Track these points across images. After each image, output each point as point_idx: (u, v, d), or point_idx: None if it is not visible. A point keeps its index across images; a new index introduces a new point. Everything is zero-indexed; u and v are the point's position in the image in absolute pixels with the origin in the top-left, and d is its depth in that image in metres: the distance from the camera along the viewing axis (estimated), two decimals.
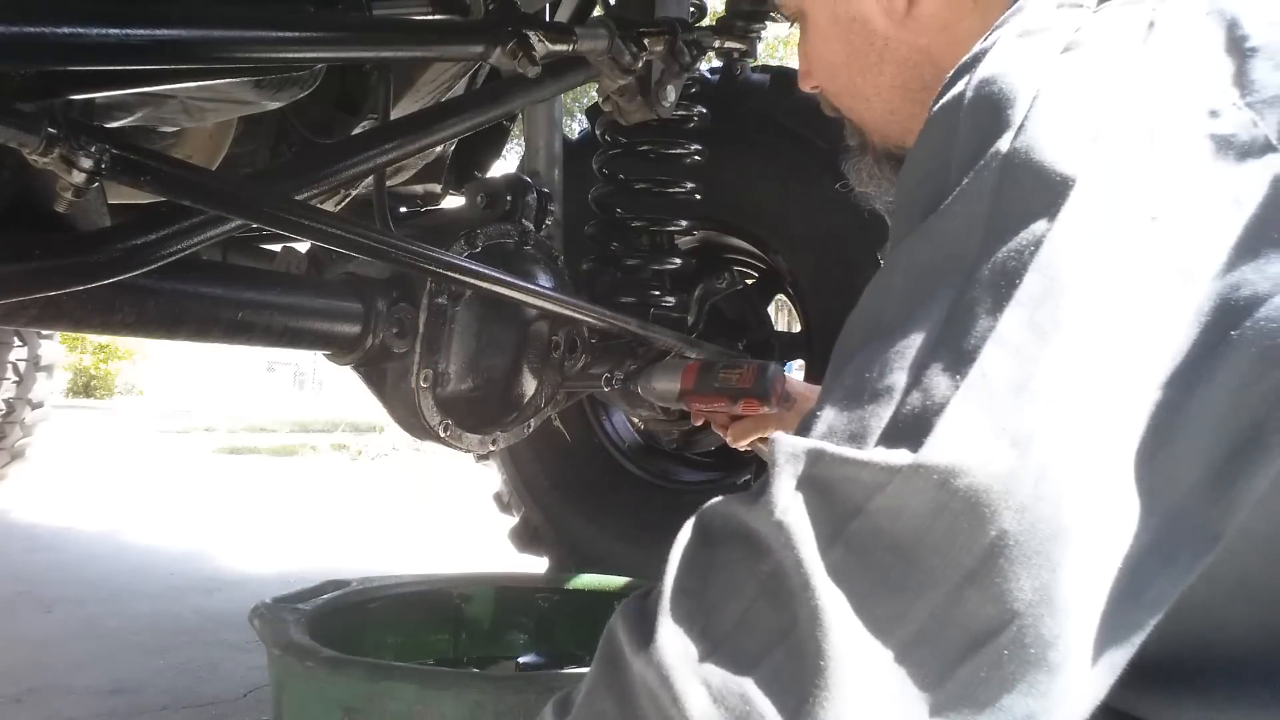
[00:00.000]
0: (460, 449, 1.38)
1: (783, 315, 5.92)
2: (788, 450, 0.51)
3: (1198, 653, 0.63)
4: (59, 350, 3.68)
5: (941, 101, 0.61)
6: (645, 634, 0.51)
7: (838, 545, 0.48)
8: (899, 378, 0.51)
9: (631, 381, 1.56)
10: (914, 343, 0.51)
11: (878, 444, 0.49)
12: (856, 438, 0.50)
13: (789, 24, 0.95)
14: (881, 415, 0.50)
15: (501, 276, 1.26)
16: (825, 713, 0.45)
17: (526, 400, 1.44)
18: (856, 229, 1.91)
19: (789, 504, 0.49)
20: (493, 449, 1.44)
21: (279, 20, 0.98)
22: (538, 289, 1.33)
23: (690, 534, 0.55)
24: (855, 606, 0.47)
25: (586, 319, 1.43)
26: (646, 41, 1.37)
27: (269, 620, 1.31)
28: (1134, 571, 0.50)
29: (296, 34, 0.98)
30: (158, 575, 3.08)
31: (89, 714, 1.87)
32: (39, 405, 3.58)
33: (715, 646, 0.50)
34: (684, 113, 1.72)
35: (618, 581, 1.71)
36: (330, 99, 1.55)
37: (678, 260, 1.83)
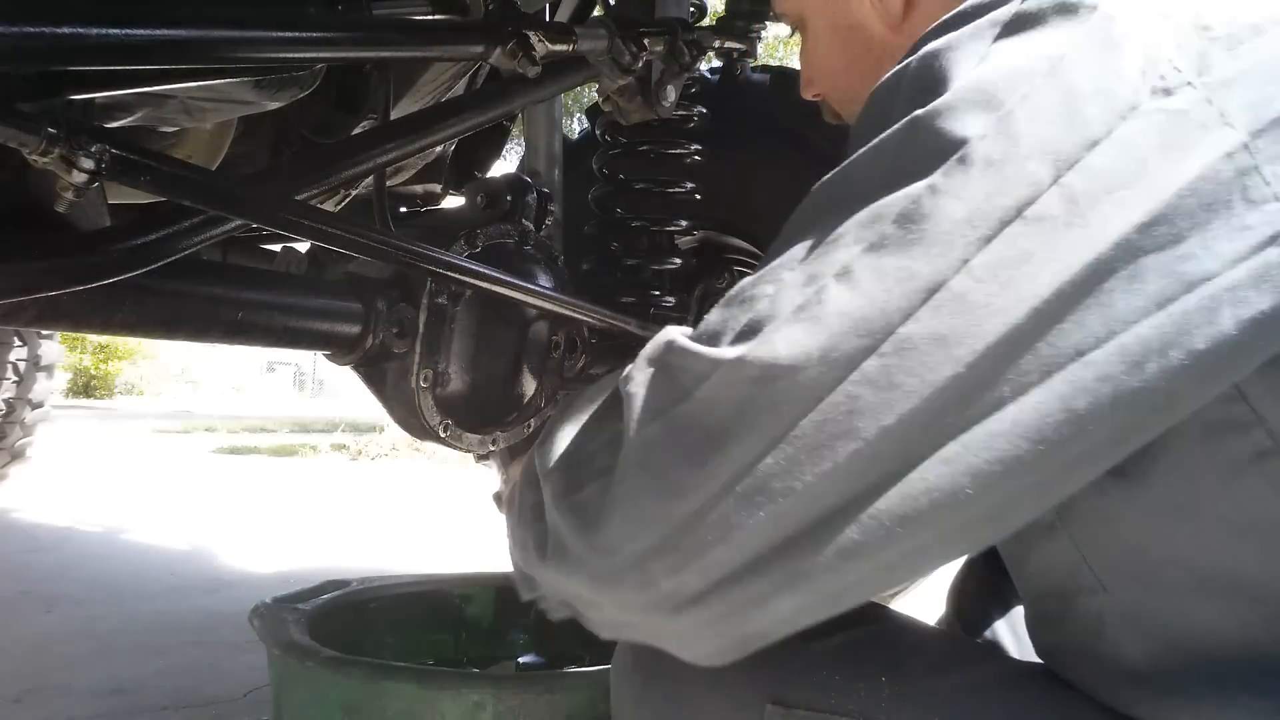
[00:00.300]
0: (460, 449, 1.38)
1: None
2: (656, 339, 0.61)
3: (1181, 659, 0.64)
4: (59, 350, 3.68)
5: (894, 69, 0.65)
6: (544, 435, 0.71)
7: (658, 421, 0.58)
8: (764, 289, 0.58)
9: None
10: (787, 263, 0.59)
11: (724, 338, 0.57)
12: (715, 336, 0.58)
13: (790, 32, 0.97)
14: (739, 319, 0.58)
15: (501, 276, 1.26)
16: (599, 539, 0.59)
17: (526, 400, 1.44)
18: None
19: (636, 380, 0.60)
20: (493, 449, 1.44)
21: (279, 20, 0.98)
22: (538, 289, 1.33)
23: (621, 377, 0.65)
24: (653, 475, 0.57)
25: (586, 319, 1.43)
26: (646, 41, 1.37)
27: (269, 620, 1.31)
28: (951, 506, 0.54)
29: (296, 34, 0.98)
30: (158, 575, 3.08)
31: (89, 714, 1.87)
32: (39, 405, 3.57)
33: (564, 465, 0.66)
34: (684, 113, 1.72)
35: None
36: (330, 99, 1.55)
37: (678, 260, 1.83)
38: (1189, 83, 0.57)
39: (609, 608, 0.63)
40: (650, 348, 0.61)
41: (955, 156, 0.55)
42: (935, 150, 0.56)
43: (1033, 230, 0.53)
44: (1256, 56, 0.57)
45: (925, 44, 0.63)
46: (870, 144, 0.60)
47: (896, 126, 0.59)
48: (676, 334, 0.60)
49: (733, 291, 0.61)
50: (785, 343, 0.54)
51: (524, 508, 0.71)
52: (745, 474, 0.54)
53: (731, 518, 0.55)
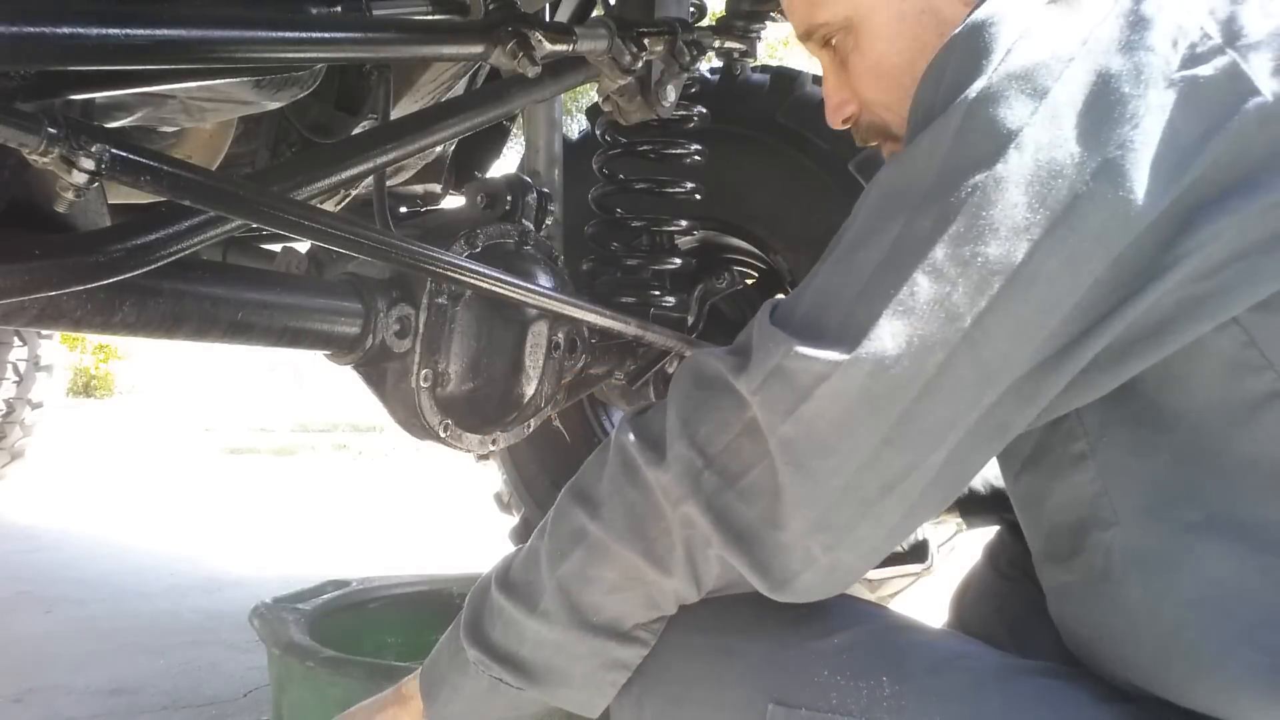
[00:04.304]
0: (460, 449, 1.38)
1: None
2: (769, 336, 0.67)
3: (1178, 603, 0.67)
4: (59, 350, 3.67)
5: (960, 27, 0.68)
6: (658, 450, 0.70)
7: (788, 422, 0.65)
8: (852, 288, 0.65)
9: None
10: (868, 258, 0.66)
11: (829, 339, 0.64)
12: (812, 332, 0.65)
13: (819, 45, 0.88)
14: (837, 314, 0.65)
15: (501, 276, 1.26)
16: (785, 517, 0.65)
17: (526, 400, 1.44)
18: None
19: (763, 383, 0.66)
20: (493, 449, 1.44)
21: (279, 20, 0.98)
22: (538, 289, 1.33)
23: (686, 378, 0.73)
24: (797, 468, 0.65)
25: (586, 319, 1.43)
26: (646, 41, 1.37)
27: (269, 620, 1.31)
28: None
29: (296, 34, 0.98)
30: (158, 575, 3.07)
31: (89, 714, 1.87)
32: (39, 405, 3.57)
33: (709, 462, 0.68)
34: (684, 113, 1.72)
35: None
36: (330, 99, 1.55)
37: (678, 260, 1.83)
38: (1221, 49, 0.61)
39: (770, 576, 0.68)
40: (766, 347, 0.66)
41: (1011, 144, 0.61)
42: (991, 138, 0.62)
43: (1086, 207, 0.60)
44: None
45: (974, 11, 0.67)
46: (929, 131, 0.65)
47: (952, 113, 0.64)
48: (786, 340, 0.65)
49: (821, 284, 0.68)
50: (890, 336, 0.62)
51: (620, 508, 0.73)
52: (875, 458, 0.63)
53: (869, 497, 0.64)
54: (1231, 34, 0.62)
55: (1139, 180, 0.60)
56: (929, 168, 0.64)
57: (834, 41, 0.86)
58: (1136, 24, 0.62)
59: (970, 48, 0.65)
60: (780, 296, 0.72)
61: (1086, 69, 0.61)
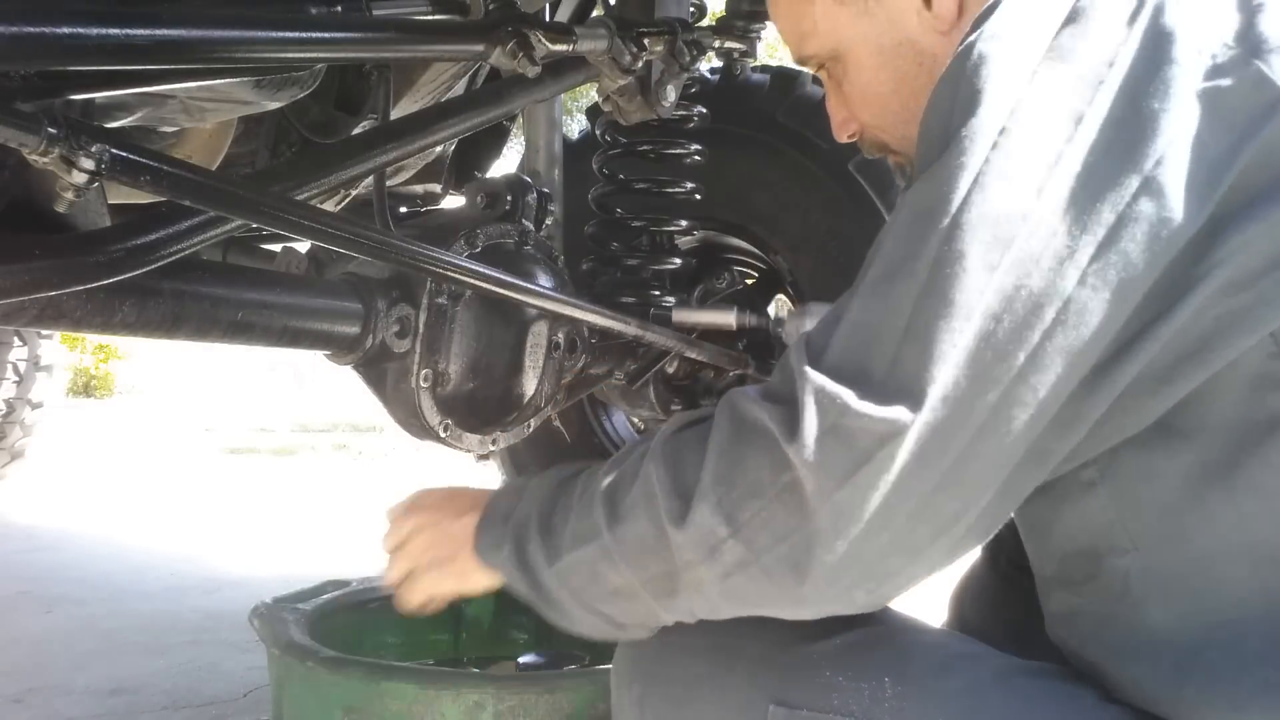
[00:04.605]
0: (460, 449, 1.38)
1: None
2: (813, 387, 0.62)
3: (1201, 626, 0.66)
4: (59, 350, 3.67)
5: (961, 46, 0.67)
6: (684, 501, 0.67)
7: (845, 488, 0.61)
8: (894, 324, 0.62)
9: (633, 380, 1.55)
10: (907, 289, 0.62)
11: (882, 390, 0.60)
12: (861, 378, 0.61)
13: (814, 70, 0.94)
14: (883, 355, 0.61)
15: (501, 276, 1.26)
16: (813, 596, 0.64)
17: (526, 400, 1.44)
18: (857, 228, 1.91)
19: (818, 446, 0.61)
20: (493, 449, 1.44)
21: (279, 20, 0.98)
22: (538, 289, 1.33)
23: (728, 420, 0.68)
24: (847, 539, 0.61)
25: (586, 319, 1.43)
26: (646, 41, 1.37)
27: (269, 620, 1.31)
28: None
29: (296, 34, 0.98)
30: (158, 575, 3.07)
31: (89, 714, 1.87)
32: (39, 405, 3.57)
33: (736, 530, 0.65)
34: (684, 113, 1.72)
35: None
36: (330, 99, 1.55)
37: (678, 260, 1.83)
38: (1244, 58, 0.61)
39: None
40: (813, 403, 0.62)
41: (1048, 171, 0.59)
42: (1026, 165, 0.60)
43: (1131, 228, 0.59)
44: None
45: (987, 19, 0.66)
46: (953, 150, 0.62)
47: (978, 134, 0.61)
48: (837, 390, 0.61)
49: (858, 317, 0.64)
50: (947, 384, 0.59)
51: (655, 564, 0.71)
52: (926, 506, 0.61)
53: (918, 545, 0.63)
54: (1252, 42, 0.62)
55: (1177, 195, 0.59)
56: (957, 191, 0.61)
57: (826, 67, 0.92)
58: (1158, 38, 0.61)
59: (979, 65, 0.64)
60: (811, 331, 0.68)
61: (1116, 89, 0.61)
